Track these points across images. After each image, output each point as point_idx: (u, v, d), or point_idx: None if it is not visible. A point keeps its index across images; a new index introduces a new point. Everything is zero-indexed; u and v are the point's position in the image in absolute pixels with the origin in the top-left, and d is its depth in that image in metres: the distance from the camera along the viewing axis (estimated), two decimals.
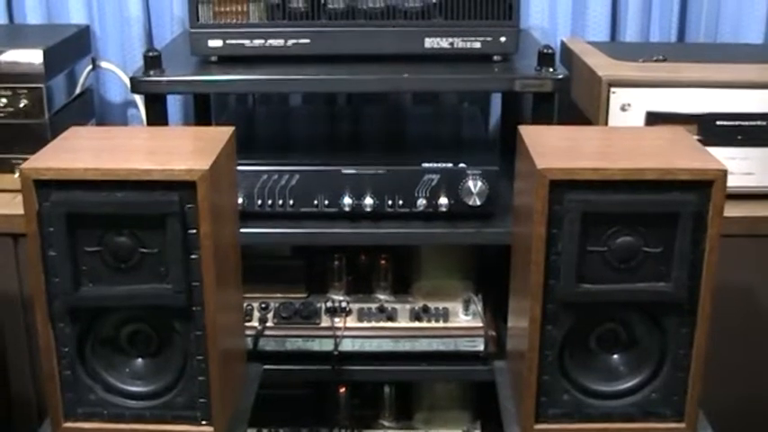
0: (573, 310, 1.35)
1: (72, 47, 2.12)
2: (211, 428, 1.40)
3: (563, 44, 2.23)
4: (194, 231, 1.29)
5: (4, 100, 1.92)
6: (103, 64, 2.28)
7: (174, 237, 1.29)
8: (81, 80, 2.17)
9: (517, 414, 1.46)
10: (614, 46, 2.22)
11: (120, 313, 1.37)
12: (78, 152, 1.37)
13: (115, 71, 2.27)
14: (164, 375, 1.40)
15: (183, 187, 1.27)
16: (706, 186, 1.28)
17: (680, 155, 1.35)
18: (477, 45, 1.81)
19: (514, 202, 1.58)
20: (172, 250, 1.30)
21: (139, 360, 1.41)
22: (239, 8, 1.81)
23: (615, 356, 1.42)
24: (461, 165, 1.82)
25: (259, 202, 1.84)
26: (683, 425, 1.41)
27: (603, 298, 1.34)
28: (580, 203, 1.28)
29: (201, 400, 1.39)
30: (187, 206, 1.28)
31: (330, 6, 1.81)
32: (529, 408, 1.40)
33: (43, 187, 1.28)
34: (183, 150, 1.38)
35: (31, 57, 1.91)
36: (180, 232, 1.29)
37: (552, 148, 1.39)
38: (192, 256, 1.31)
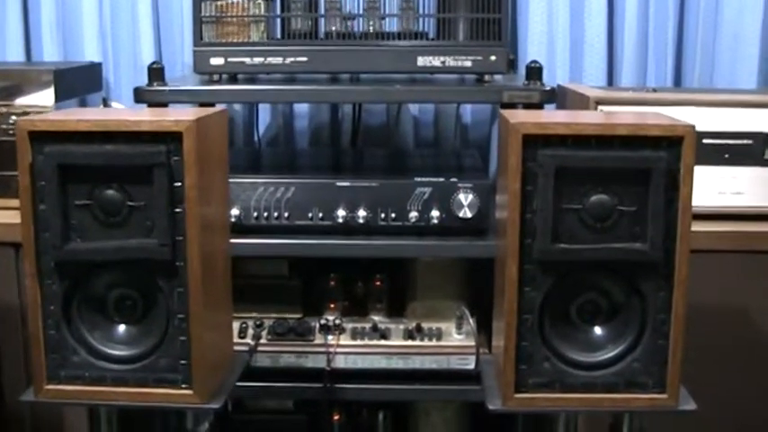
0: (550, 271, 1.37)
1: (83, 77, 2.20)
2: (191, 392, 1.41)
3: (560, 87, 2.28)
4: (180, 185, 1.34)
5: (15, 117, 1.98)
6: (114, 104, 2.37)
7: (160, 188, 1.33)
8: None
9: (498, 385, 1.45)
10: (610, 88, 2.28)
11: (106, 273, 1.40)
12: (75, 114, 1.43)
13: None
14: (147, 339, 1.42)
15: (170, 139, 1.32)
16: (676, 144, 1.32)
17: (654, 119, 1.39)
18: (468, 63, 1.88)
19: (496, 215, 1.60)
20: (158, 202, 1.34)
21: (123, 326, 1.44)
22: (241, 28, 1.89)
23: (596, 327, 1.42)
24: (453, 179, 1.87)
25: (255, 214, 1.88)
26: (665, 395, 1.40)
27: (580, 257, 1.35)
28: (554, 158, 1.32)
29: (182, 362, 1.40)
30: (173, 158, 1.33)
31: (327, 28, 1.90)
32: (509, 376, 1.40)
33: (37, 140, 1.34)
34: (174, 114, 1.44)
35: (42, 77, 1.99)
36: (166, 184, 1.33)
37: (531, 116, 1.43)
38: (177, 210, 1.35)
